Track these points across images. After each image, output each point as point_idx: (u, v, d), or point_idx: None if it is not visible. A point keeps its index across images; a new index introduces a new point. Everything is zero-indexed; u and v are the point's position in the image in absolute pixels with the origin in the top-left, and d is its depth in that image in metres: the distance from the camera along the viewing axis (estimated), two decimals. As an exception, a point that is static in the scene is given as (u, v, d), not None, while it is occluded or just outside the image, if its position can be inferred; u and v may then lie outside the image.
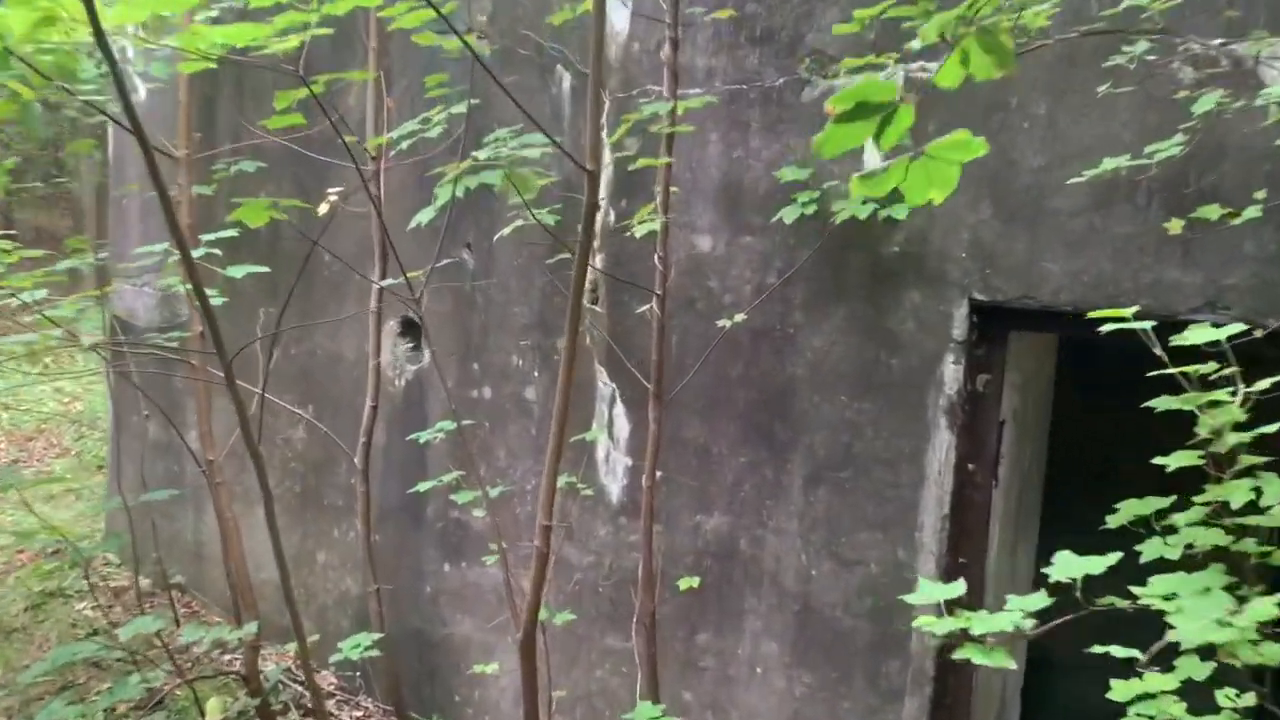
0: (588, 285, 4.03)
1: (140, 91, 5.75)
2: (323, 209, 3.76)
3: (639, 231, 3.14)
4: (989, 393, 3.35)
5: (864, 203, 3.30)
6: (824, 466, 3.56)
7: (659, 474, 3.57)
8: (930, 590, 2.09)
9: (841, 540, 3.54)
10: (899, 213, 3.23)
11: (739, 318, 3.45)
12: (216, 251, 3.72)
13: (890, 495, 3.43)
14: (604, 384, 4.06)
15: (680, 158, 3.70)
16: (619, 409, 4.02)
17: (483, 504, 3.38)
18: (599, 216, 4.01)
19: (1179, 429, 2.34)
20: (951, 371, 3.30)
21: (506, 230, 3.10)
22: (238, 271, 3.53)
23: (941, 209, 3.27)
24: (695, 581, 3.36)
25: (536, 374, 4.23)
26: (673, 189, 3.53)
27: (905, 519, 3.40)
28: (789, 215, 3.40)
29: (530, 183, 3.03)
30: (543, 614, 3.12)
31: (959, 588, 2.11)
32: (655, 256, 3.36)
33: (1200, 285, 2.87)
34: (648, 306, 3.47)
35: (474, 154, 2.83)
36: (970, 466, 3.37)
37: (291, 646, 4.62)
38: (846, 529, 3.53)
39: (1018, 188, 3.14)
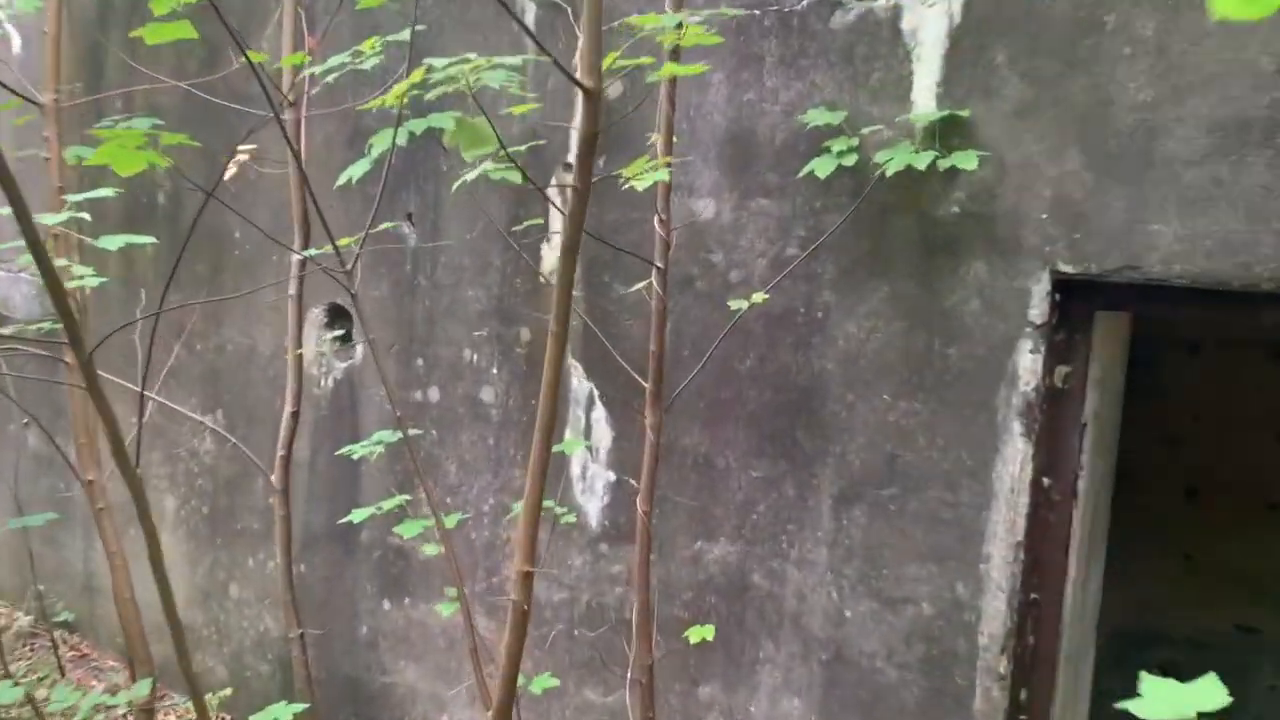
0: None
1: (13, 41, 4.87)
2: (229, 171, 2.97)
3: (638, 185, 2.41)
4: (1071, 389, 2.69)
5: (919, 150, 2.61)
6: (861, 483, 2.87)
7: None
8: (1171, 696, 1.39)
9: (884, 574, 2.85)
10: (965, 162, 2.55)
11: (758, 298, 2.75)
12: (84, 216, 2.90)
13: (947, 518, 2.75)
14: (579, 382, 3.33)
15: (674, 105, 2.97)
16: (598, 413, 3.30)
17: (436, 535, 2.63)
18: (570, 177, 3.27)
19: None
20: (1028, 363, 2.63)
21: (470, 176, 2.35)
22: (112, 243, 2.73)
23: (1016, 158, 2.60)
24: (708, 633, 2.66)
25: (494, 371, 3.48)
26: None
27: (967, 547, 2.73)
28: (822, 168, 2.70)
29: (481, 135, 2.29)
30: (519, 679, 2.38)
31: (1214, 694, 1.41)
32: (655, 218, 2.64)
33: (1367, 249, 2.24)
34: (638, 286, 2.77)
35: (427, 64, 2.07)
36: (1046, 481, 2.71)
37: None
38: (890, 560, 2.84)
39: (1116, 130, 2.48)
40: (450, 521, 3.02)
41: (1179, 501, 5.23)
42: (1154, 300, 2.57)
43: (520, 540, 2.12)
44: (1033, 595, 2.74)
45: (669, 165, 2.54)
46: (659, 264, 2.60)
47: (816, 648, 2.97)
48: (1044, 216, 2.58)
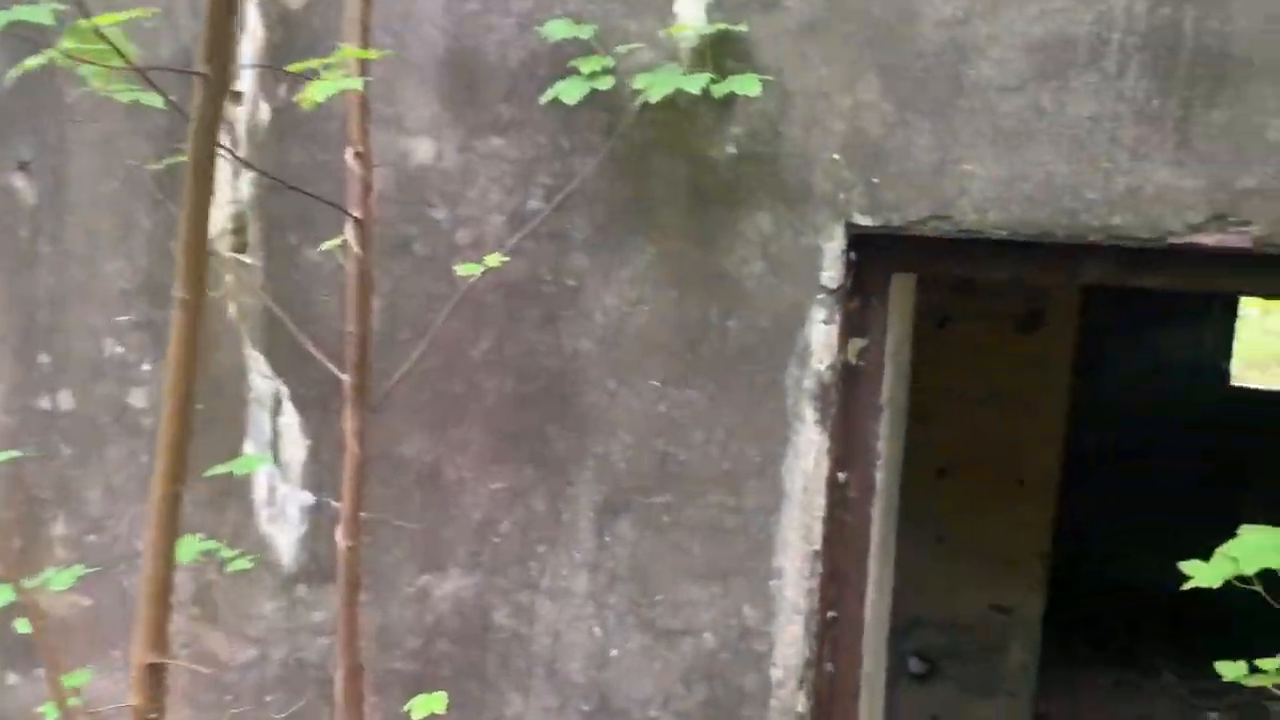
0: (228, 219, 2.52)
1: None
2: None
3: (316, 96, 1.72)
4: (867, 367, 2.26)
5: (691, 71, 2.08)
6: (627, 489, 2.32)
7: (362, 515, 2.16)
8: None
9: (657, 600, 2.32)
10: (746, 86, 2.04)
11: (493, 261, 2.13)
12: None
13: (731, 527, 2.25)
14: (262, 379, 2.57)
15: (374, 13, 2.28)
16: (288, 418, 2.56)
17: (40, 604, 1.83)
18: (242, 111, 2.51)
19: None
20: (821, 336, 2.17)
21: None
22: None
23: (802, 85, 2.12)
24: (437, 704, 2.00)
25: (147, 367, 2.65)
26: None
27: (755, 561, 2.24)
28: (570, 92, 2.12)
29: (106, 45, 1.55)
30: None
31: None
32: (348, 153, 1.95)
33: (1204, 191, 1.92)
34: (329, 244, 2.08)
35: None
36: (842, 477, 2.26)
37: None
38: (664, 583, 2.31)
39: (920, 50, 2.05)
40: (63, 580, 2.18)
41: (931, 481, 5.08)
42: (963, 257, 2.18)
43: (143, 616, 1.40)
44: (831, 613, 2.29)
45: (363, 75, 1.87)
46: (356, 213, 1.92)
47: (576, 698, 2.39)
48: (837, 157, 2.12)
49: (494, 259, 2.12)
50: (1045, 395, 4.90)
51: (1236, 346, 8.65)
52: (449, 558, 2.46)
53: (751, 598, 2.24)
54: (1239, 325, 8.62)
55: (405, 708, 1.96)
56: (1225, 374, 8.36)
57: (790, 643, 2.22)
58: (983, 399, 4.85)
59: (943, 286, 4.92)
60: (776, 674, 2.23)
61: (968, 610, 5.00)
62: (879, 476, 2.30)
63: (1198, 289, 2.07)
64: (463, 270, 2.14)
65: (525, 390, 2.37)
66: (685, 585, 2.28)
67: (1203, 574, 1.40)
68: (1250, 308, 10.86)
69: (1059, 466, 4.94)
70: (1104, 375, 7.81)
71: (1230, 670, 1.54)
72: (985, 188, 2.03)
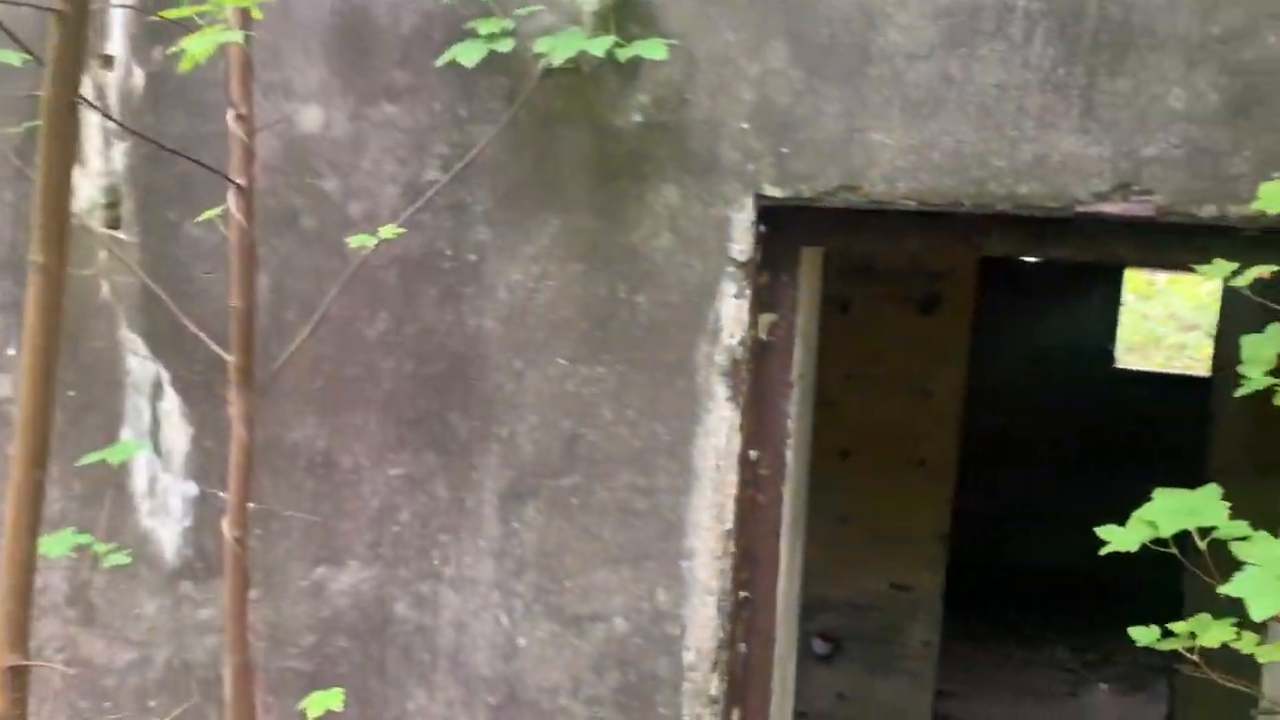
0: (101, 192, 2.35)
1: None
2: None
3: (195, 51, 1.58)
4: (778, 342, 2.22)
5: (595, 36, 2.00)
6: (534, 473, 2.23)
7: (250, 506, 2.03)
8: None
9: (566, 586, 2.24)
10: (652, 51, 1.97)
11: (389, 233, 2.02)
12: None
13: (642, 508, 2.18)
14: (140, 362, 2.41)
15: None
16: (169, 403, 2.41)
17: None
18: (114, 77, 2.34)
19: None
20: (732, 311, 2.12)
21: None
22: None
23: (709, 51, 2.06)
24: (334, 700, 1.89)
25: (12, 351, 2.46)
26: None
27: (667, 543, 2.18)
28: (468, 55, 2.02)
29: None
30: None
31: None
32: (229, 116, 1.82)
33: (1109, 160, 1.92)
34: (209, 214, 1.94)
35: None
36: (753, 454, 2.22)
37: None
38: (574, 568, 2.23)
39: (827, 16, 2.01)
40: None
41: (834, 463, 5.11)
42: (871, 230, 2.15)
43: (1, 614, 1.26)
44: (744, 594, 2.24)
45: (245, 31, 1.74)
46: (239, 180, 1.79)
47: (483, 689, 2.30)
48: (745, 126, 2.07)
49: (389, 231, 2.01)
50: (943, 377, 4.97)
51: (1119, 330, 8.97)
52: (346, 549, 2.34)
53: (663, 580, 2.18)
54: (1121, 309, 8.93)
55: (300, 706, 1.85)
56: (1110, 356, 8.65)
57: (703, 625, 2.17)
58: (884, 381, 4.90)
59: (844, 270, 4.96)
60: (689, 657, 2.18)
61: (870, 590, 5.05)
62: (790, 454, 2.27)
63: (1101, 260, 2.08)
64: (355, 243, 2.02)
65: (425, 371, 2.27)
66: (595, 570, 2.21)
67: (1119, 538, 1.39)
68: (1128, 293, 11.26)
69: (957, 447, 5.03)
70: (994, 357, 8.00)
71: (1144, 635, 1.53)
72: (895, 157, 2.00)
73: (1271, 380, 1.42)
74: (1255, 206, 1.48)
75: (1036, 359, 8.35)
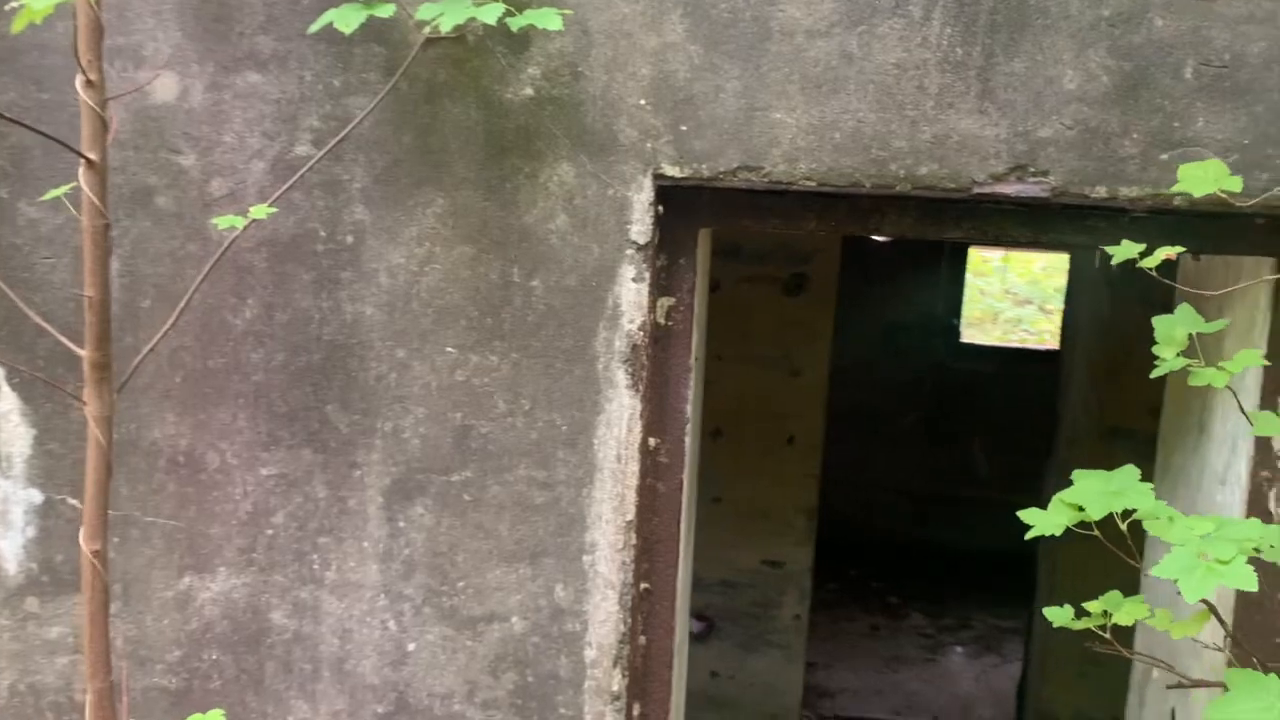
0: (-81, 168, 2.08)
1: None
2: None
3: (31, 8, 1.38)
4: (676, 327, 2.15)
5: (485, 1, 1.87)
6: (423, 469, 2.11)
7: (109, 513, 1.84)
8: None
9: (459, 587, 2.13)
10: (546, 21, 1.86)
11: (260, 213, 1.85)
12: None
13: (540, 503, 2.09)
14: (-29, 359, 2.16)
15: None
16: (7, 403, 2.17)
17: None
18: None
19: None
20: (632, 295, 2.04)
21: None
22: None
23: (604, 23, 1.97)
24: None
25: None
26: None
27: (566, 538, 2.09)
28: (346, 20, 1.86)
29: None
30: None
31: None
32: (78, 82, 1.62)
33: (1006, 141, 1.93)
34: (54, 193, 1.73)
35: None
36: (653, 442, 2.15)
37: None
38: (467, 568, 2.12)
39: (727, -9, 1.95)
40: None
41: (706, 443, 5.10)
42: (770, 211, 2.11)
43: None
44: (644, 585, 2.18)
45: (98, -14, 1.55)
46: (91, 154, 1.59)
47: (370, 699, 2.17)
48: (643, 103, 1.98)
49: (261, 210, 1.84)
50: (811, 356, 5.04)
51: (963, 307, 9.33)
52: (215, 556, 2.16)
53: (563, 576, 2.09)
54: (965, 286, 9.29)
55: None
56: (956, 331, 8.99)
57: (604, 620, 2.09)
58: (754, 361, 4.92)
59: (713, 251, 4.95)
60: (591, 654, 2.11)
61: (743, 568, 5.09)
62: (688, 441, 2.21)
63: (994, 242, 2.10)
64: (223, 224, 1.84)
65: (299, 363, 2.11)
66: (491, 569, 2.11)
67: (1044, 522, 1.38)
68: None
69: (824, 425, 5.11)
70: (847, 335, 8.20)
71: (1057, 615, 1.54)
72: (796, 137, 1.95)
73: (1185, 360, 1.44)
74: (1176, 188, 1.49)
75: (887, 335, 8.59)
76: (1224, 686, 1.94)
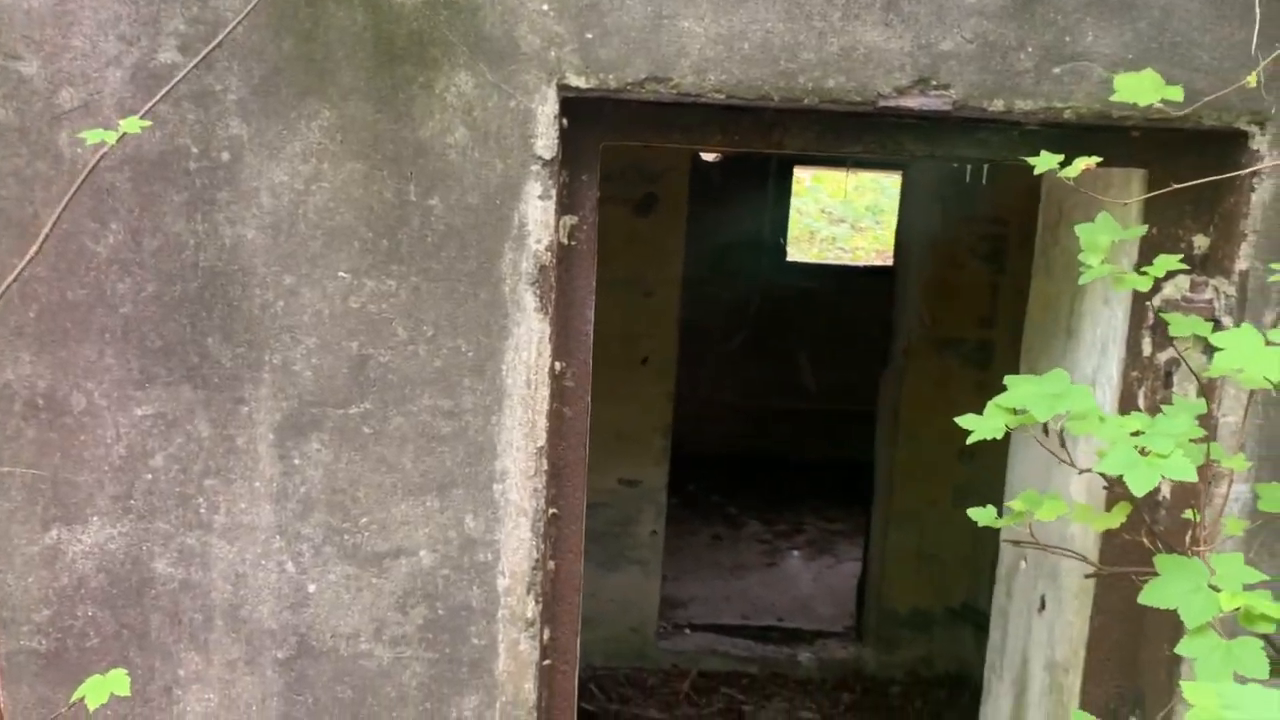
0: None
1: None
2: None
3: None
4: (580, 247, 2.09)
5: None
6: (317, 403, 1.98)
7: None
8: None
9: (362, 523, 2.03)
10: (447, -82, 1.73)
11: (131, 126, 1.65)
12: None
13: (447, 433, 2.01)
14: None
15: None
16: None
17: None
18: None
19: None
20: (538, 213, 1.96)
21: None
22: None
23: (504, -76, 1.85)
24: (119, 684, 1.58)
25: None
26: None
27: (476, 468, 2.03)
28: (223, -90, 1.67)
29: None
30: None
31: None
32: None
33: (909, 54, 1.94)
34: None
35: None
36: (559, 366, 2.10)
37: None
38: (370, 503, 2.02)
39: (632, -108, 1.86)
40: None
41: (559, 367, 5.08)
42: (675, 125, 2.06)
43: None
44: (553, 510, 2.14)
45: None
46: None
47: (269, 644, 2.06)
48: (545, 8, 1.89)
49: (133, 124, 1.65)
50: (662, 276, 5.05)
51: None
52: (86, 505, 1.98)
53: (474, 507, 2.03)
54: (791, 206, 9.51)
55: (77, 695, 1.54)
56: (783, 250, 9.22)
57: (517, 548, 2.05)
58: (607, 282, 4.86)
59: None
60: (504, 582, 2.06)
61: (601, 488, 5.11)
62: (590, 364, 2.17)
63: (893, 157, 2.13)
64: (92, 139, 1.64)
65: (174, 293, 1.93)
66: (395, 503, 2.02)
67: (982, 426, 1.43)
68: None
69: (677, 344, 5.16)
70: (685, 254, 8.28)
71: (980, 516, 1.61)
72: (704, 47, 1.91)
73: (1108, 268, 1.51)
74: (1115, 97, 1.54)
75: (717, 255, 8.73)
76: (1092, 570, 2.09)
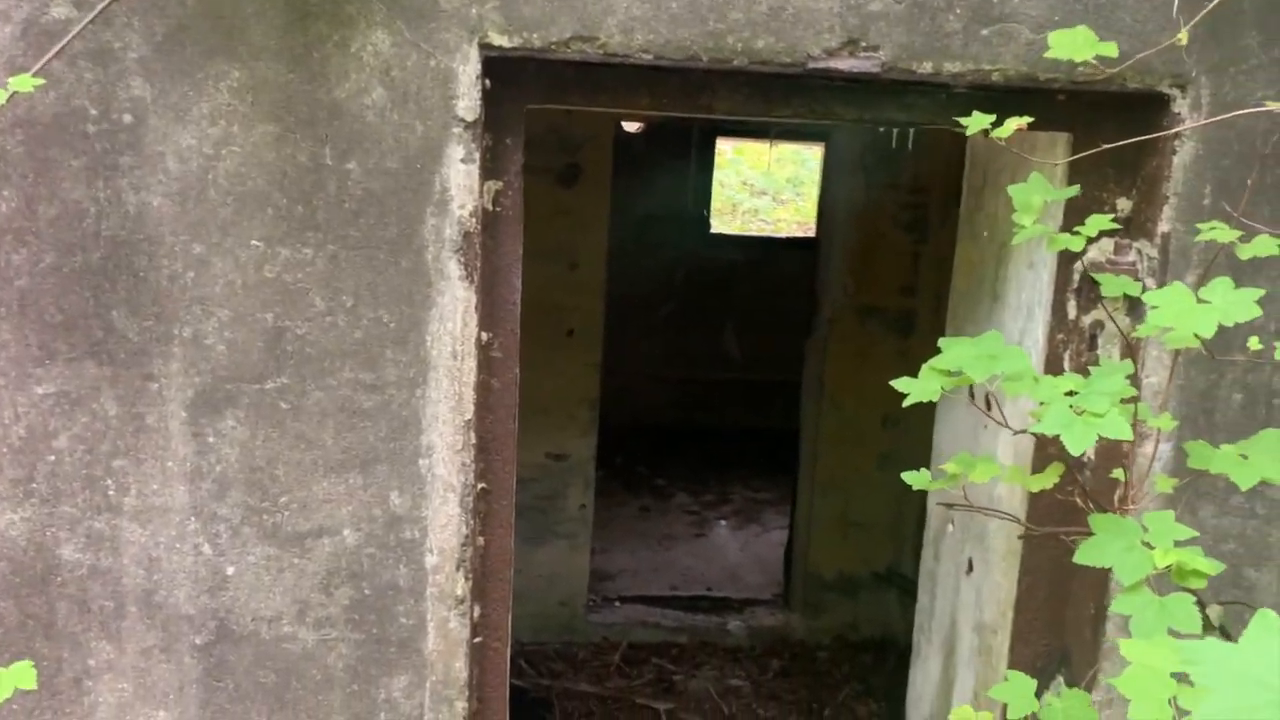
0: None
1: None
2: None
3: None
4: (505, 213, 2.03)
5: None
6: (232, 378, 1.90)
7: None
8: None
9: (282, 502, 1.95)
10: None
11: (23, 84, 1.54)
12: None
13: (370, 407, 1.94)
14: None
15: None
16: None
17: None
18: None
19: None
20: (462, 177, 1.89)
21: None
22: None
23: (420, -126, 1.77)
24: (26, 678, 1.49)
25: None
26: None
27: (400, 442, 1.96)
28: None
29: None
30: None
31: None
32: None
33: (839, 14, 1.91)
34: None
35: None
36: (486, 336, 2.04)
37: None
38: (290, 481, 1.95)
39: None
40: None
41: (483, 341, 4.99)
42: (601, 87, 2.00)
43: None
44: (482, 485, 2.09)
45: None
46: None
47: (187, 630, 1.97)
48: (465, -36, 1.82)
49: (24, 81, 1.54)
50: (588, 247, 4.99)
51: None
52: (-16, 491, 1.87)
53: (399, 483, 1.96)
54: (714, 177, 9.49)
55: (-23, 696, 1.44)
56: (706, 222, 9.21)
57: (445, 524, 2.00)
58: (531, 254, 4.78)
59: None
60: (432, 560, 2.01)
61: (528, 463, 5.04)
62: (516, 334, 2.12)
63: (822, 121, 2.10)
64: (-26, 99, 1.53)
65: (74, 264, 1.82)
66: (317, 480, 1.94)
67: (917, 390, 1.41)
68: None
69: (603, 316, 5.10)
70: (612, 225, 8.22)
71: (915, 480, 1.60)
72: (631, 5, 1.85)
73: (1042, 229, 1.50)
74: (1049, 54, 1.52)
75: (641, 226, 8.69)
76: (1023, 530, 2.11)
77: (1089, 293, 2.14)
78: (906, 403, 1.41)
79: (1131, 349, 2.11)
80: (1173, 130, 1.98)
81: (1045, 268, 2.22)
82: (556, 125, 4.79)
